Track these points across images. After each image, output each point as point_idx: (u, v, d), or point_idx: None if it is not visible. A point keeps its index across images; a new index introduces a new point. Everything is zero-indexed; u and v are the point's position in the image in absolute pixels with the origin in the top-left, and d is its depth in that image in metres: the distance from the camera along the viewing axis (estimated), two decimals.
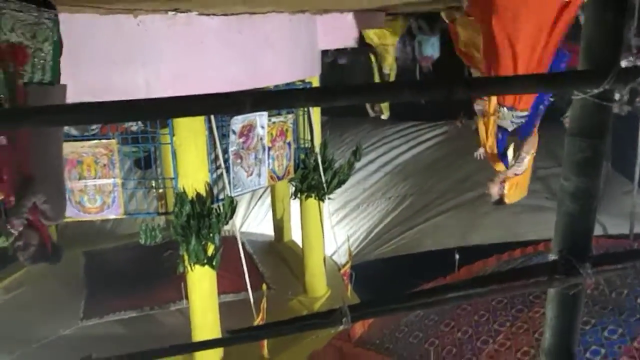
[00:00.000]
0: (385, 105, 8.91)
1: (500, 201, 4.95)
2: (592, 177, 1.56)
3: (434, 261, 9.07)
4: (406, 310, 1.67)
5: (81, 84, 4.15)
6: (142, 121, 5.69)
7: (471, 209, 9.89)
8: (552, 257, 1.75)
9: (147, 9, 4.17)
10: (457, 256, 8.26)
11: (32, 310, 6.53)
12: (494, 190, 4.83)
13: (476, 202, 9.98)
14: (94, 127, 5.49)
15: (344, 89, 1.10)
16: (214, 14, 4.71)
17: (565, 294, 1.69)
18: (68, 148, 5.12)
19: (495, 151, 4.41)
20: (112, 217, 5.58)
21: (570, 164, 1.56)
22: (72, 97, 4.04)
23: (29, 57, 2.90)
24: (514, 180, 4.65)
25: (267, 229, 9.40)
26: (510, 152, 4.46)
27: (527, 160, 4.48)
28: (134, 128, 6.77)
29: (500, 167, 4.54)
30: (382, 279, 9.05)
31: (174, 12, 4.46)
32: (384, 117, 10.03)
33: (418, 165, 11.82)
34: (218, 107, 1.12)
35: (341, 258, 7.70)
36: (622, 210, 9.39)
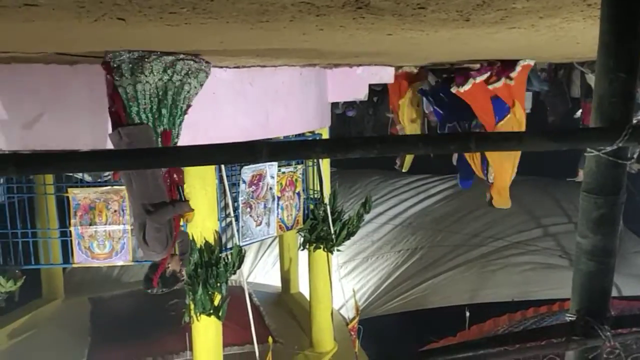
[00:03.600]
0: (408, 160, 8.95)
1: (491, 203, 6.88)
2: (609, 235, 1.53)
3: (443, 318, 8.88)
4: None
5: (100, 133, 4.24)
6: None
7: (482, 265, 9.76)
8: (570, 317, 1.70)
9: None
10: (467, 313, 8.10)
11: (36, 357, 6.41)
12: (488, 193, 6.79)
13: (487, 258, 9.86)
14: (106, 173, 5.55)
15: (359, 140, 1.10)
16: (227, 67, 4.82)
17: (584, 357, 1.64)
18: (81, 194, 5.16)
19: (480, 170, 6.62)
20: (120, 263, 5.55)
21: (587, 221, 1.54)
22: (90, 145, 4.13)
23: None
24: (494, 189, 6.62)
25: (274, 280, 9.28)
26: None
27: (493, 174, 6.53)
28: None
29: (480, 173, 6.65)
30: (390, 335, 8.84)
31: None
32: (403, 170, 10.04)
33: (428, 218, 11.75)
34: (236, 156, 1.12)
35: (349, 312, 7.55)
36: (635, 270, 9.21)
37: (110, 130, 3.44)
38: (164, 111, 3.38)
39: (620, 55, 1.41)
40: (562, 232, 10.13)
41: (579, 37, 2.94)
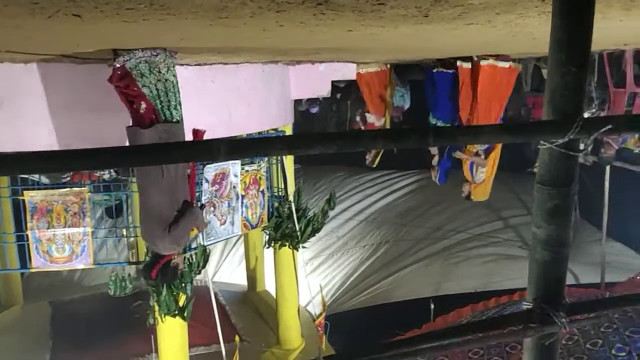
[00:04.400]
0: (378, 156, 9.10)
1: (468, 197, 7.28)
2: (562, 225, 1.58)
3: (409, 311, 9.01)
4: None
5: (60, 130, 4.14)
6: (114, 169, 5.64)
7: (445, 258, 9.93)
8: (527, 305, 1.75)
9: None
10: (432, 306, 8.23)
11: None
12: (466, 189, 7.19)
13: (450, 251, 10.04)
14: (65, 175, 5.40)
15: (319, 137, 1.11)
16: (187, 64, 4.76)
17: (541, 344, 1.69)
18: (37, 196, 5.01)
19: (468, 170, 7.06)
20: (81, 267, 5.42)
21: (541, 212, 1.58)
22: (54, 144, 4.02)
23: None
24: (477, 185, 7.11)
25: (240, 279, 9.23)
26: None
27: (482, 175, 6.97)
28: (106, 176, 6.68)
29: (469, 178, 7.12)
30: (357, 329, 8.92)
31: None
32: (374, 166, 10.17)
33: (392, 213, 11.89)
34: (192, 154, 1.11)
35: (315, 308, 7.57)
36: (591, 259, 9.53)
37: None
38: (179, 108, 3.47)
39: (571, 49, 1.46)
40: (521, 224, 10.41)
41: (534, 32, 3.01)
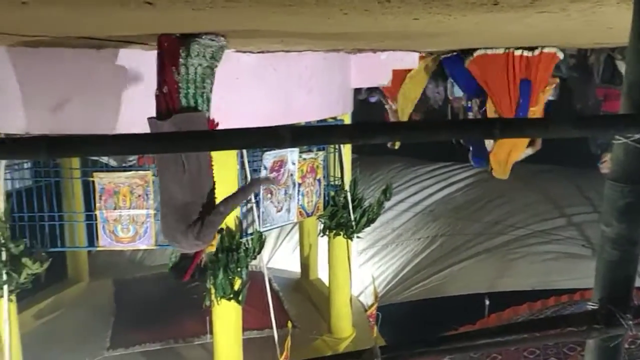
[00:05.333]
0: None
1: (490, 172, 7.11)
2: (634, 224, 1.51)
3: (463, 306, 8.85)
4: (436, 355, 1.61)
5: (124, 117, 4.28)
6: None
7: (502, 254, 9.67)
8: (591, 306, 1.68)
9: None
10: (487, 302, 8.05)
11: (61, 337, 6.57)
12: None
13: (508, 247, 9.77)
14: (131, 158, 5.62)
15: (381, 127, 1.10)
16: (250, 51, 4.82)
17: (605, 346, 1.62)
18: (106, 178, 5.24)
19: None
20: (143, 247, 5.64)
21: (612, 210, 1.51)
22: (114, 129, 4.15)
23: None
24: (494, 157, 6.79)
25: (293, 266, 9.34)
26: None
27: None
28: None
29: None
30: (409, 322, 8.84)
31: None
32: (395, 148, 10.05)
33: (449, 206, 11.67)
34: (259, 141, 1.12)
35: (367, 299, 7.58)
36: None
37: (144, 114, 3.22)
38: (208, 96, 3.26)
39: None
40: (586, 222, 9.97)
41: (611, 21, 2.87)
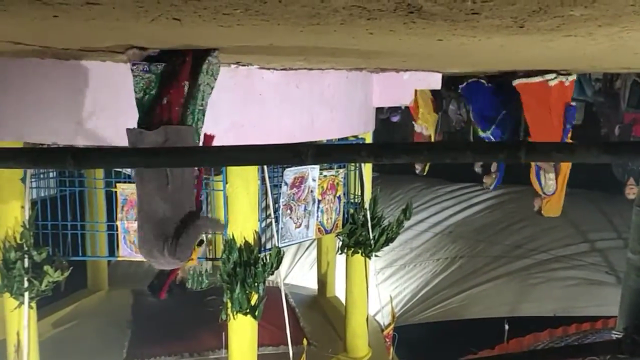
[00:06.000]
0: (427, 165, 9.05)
1: (539, 212, 6.86)
2: None
3: (481, 330, 8.72)
4: None
5: None
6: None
7: (523, 278, 9.52)
8: (616, 335, 1.64)
9: None
10: (506, 326, 7.91)
11: (78, 346, 6.61)
12: (537, 203, 6.80)
13: (529, 271, 9.62)
14: None
15: (405, 146, 1.10)
16: (274, 68, 4.87)
17: None
18: (128, 189, 5.30)
19: (534, 177, 6.60)
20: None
21: (639, 237, 1.48)
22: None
23: None
24: (548, 199, 6.59)
25: (311, 283, 9.31)
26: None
27: (552, 183, 6.47)
28: None
29: (538, 188, 6.65)
30: (426, 344, 8.73)
31: (235, 65, 4.64)
32: (424, 174, 10.08)
33: (469, 228, 11.56)
34: (281, 157, 1.13)
35: (384, 318, 7.50)
36: None
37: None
38: (204, 112, 3.24)
39: None
40: (610, 248, 9.78)
41: (638, 47, 2.83)
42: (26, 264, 4.93)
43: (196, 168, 3.25)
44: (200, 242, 3.67)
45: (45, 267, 4.96)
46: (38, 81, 4.42)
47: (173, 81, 3.09)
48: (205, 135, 3.31)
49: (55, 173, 6.23)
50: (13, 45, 3.20)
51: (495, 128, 6.77)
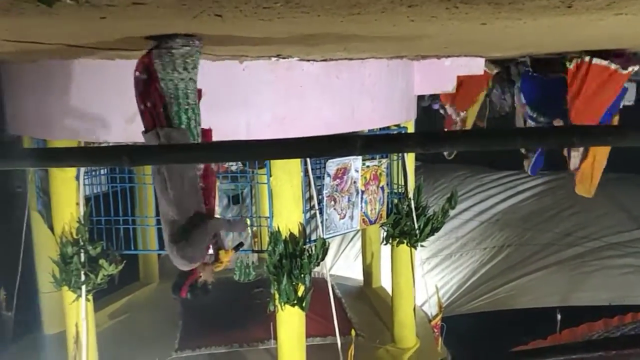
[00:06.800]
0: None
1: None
2: None
3: (532, 320, 8.54)
4: None
5: None
6: (248, 161, 5.90)
7: (575, 266, 9.25)
8: None
9: (252, 55, 4.40)
10: (559, 316, 7.72)
11: (132, 338, 6.84)
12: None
13: (581, 259, 9.33)
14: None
15: (453, 134, 1.08)
16: (314, 60, 4.87)
17: None
18: None
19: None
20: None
21: None
22: None
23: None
24: (578, 175, 6.52)
25: (356, 274, 9.31)
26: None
27: (575, 160, 6.40)
28: (233, 167, 7.07)
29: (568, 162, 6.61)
30: (474, 334, 8.61)
31: (276, 58, 4.66)
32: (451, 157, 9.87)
33: (516, 216, 11.29)
34: (329, 149, 1.13)
35: (431, 309, 7.44)
36: None
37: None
38: (196, 110, 3.07)
39: None
40: None
41: None
42: (82, 258, 5.12)
43: (202, 169, 3.17)
44: (239, 245, 3.71)
45: (101, 261, 5.14)
46: (88, 81, 4.57)
47: (144, 85, 2.99)
48: (202, 130, 3.17)
49: (106, 170, 6.43)
50: (65, 47, 3.31)
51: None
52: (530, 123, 6.87)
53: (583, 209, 10.28)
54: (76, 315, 5.31)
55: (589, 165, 6.38)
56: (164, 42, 2.83)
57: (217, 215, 3.38)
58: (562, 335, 7.67)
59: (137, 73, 2.97)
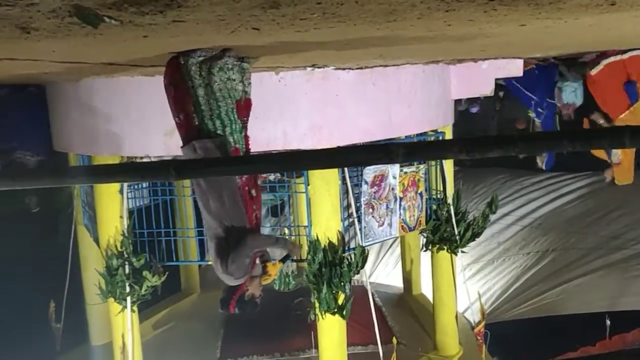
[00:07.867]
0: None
1: (613, 181, 7.21)
2: None
3: (579, 325, 8.29)
4: None
5: None
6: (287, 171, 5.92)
7: (623, 270, 8.94)
8: None
9: (288, 66, 4.44)
10: (608, 322, 7.47)
11: (176, 346, 6.94)
12: (608, 173, 7.10)
13: (629, 263, 9.01)
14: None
15: (498, 139, 1.06)
16: (349, 68, 4.88)
17: None
18: None
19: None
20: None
21: None
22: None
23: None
24: (618, 166, 6.82)
25: (396, 281, 9.23)
26: None
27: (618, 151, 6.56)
28: (272, 177, 7.12)
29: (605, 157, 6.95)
30: (520, 341, 8.41)
31: (312, 68, 4.69)
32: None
33: (560, 219, 10.99)
34: (371, 157, 1.13)
35: (474, 316, 7.30)
36: None
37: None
38: (232, 116, 3.03)
39: None
40: None
41: None
42: (127, 270, 5.24)
43: (238, 184, 3.09)
44: (286, 257, 3.69)
45: (144, 273, 5.25)
46: (129, 98, 4.70)
47: (175, 93, 3.02)
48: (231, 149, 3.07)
49: (148, 184, 6.58)
50: (105, 66, 3.42)
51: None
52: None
53: (629, 210, 9.95)
54: (122, 326, 5.42)
55: (626, 154, 6.42)
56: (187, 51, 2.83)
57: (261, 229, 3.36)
58: (612, 341, 7.41)
59: (165, 81, 3.01)
